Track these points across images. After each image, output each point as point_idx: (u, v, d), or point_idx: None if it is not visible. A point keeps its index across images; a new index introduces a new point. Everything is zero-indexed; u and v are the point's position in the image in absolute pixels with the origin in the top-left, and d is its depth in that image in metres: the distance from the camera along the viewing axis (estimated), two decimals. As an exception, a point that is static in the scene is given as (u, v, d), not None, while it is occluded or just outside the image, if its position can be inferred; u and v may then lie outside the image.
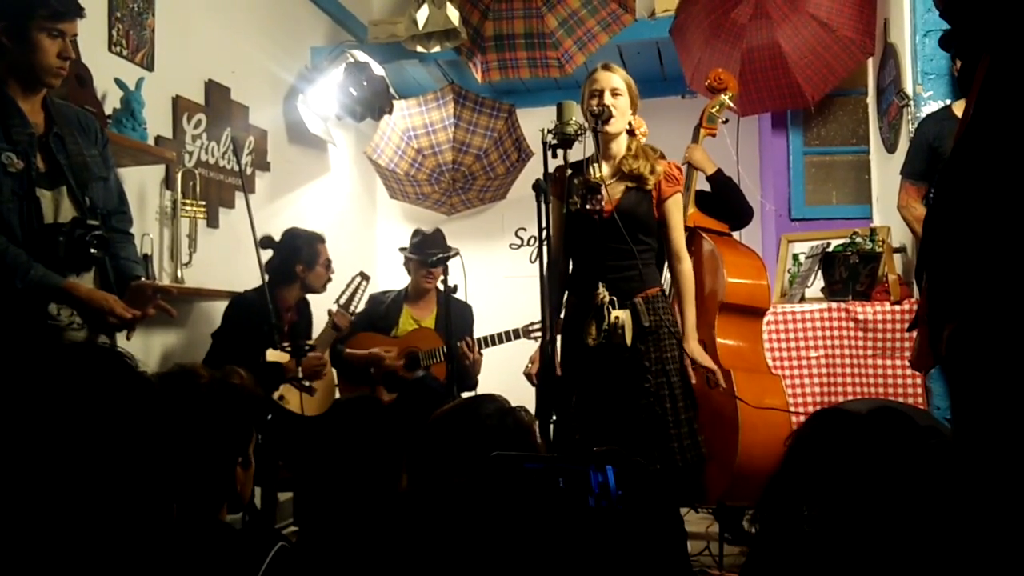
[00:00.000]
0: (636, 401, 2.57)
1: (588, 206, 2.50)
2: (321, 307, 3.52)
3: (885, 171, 3.74)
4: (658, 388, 2.58)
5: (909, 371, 3.14)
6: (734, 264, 2.97)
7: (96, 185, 2.31)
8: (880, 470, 1.06)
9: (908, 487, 1.04)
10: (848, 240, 3.46)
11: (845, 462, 1.09)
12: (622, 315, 2.53)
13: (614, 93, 2.64)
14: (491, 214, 5.32)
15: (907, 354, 3.11)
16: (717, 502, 3.01)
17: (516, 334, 3.73)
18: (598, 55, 4.18)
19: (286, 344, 3.05)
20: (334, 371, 3.65)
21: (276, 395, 3.17)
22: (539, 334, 2.81)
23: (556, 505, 1.22)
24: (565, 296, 2.75)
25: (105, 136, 2.45)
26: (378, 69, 4.40)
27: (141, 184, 3.28)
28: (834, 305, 3.33)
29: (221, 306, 3.35)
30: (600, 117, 2.58)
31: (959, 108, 3.00)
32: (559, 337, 2.61)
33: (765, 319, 3.18)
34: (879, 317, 3.24)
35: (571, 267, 2.77)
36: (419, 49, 4.35)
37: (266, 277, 3.08)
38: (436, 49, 4.34)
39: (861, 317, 3.26)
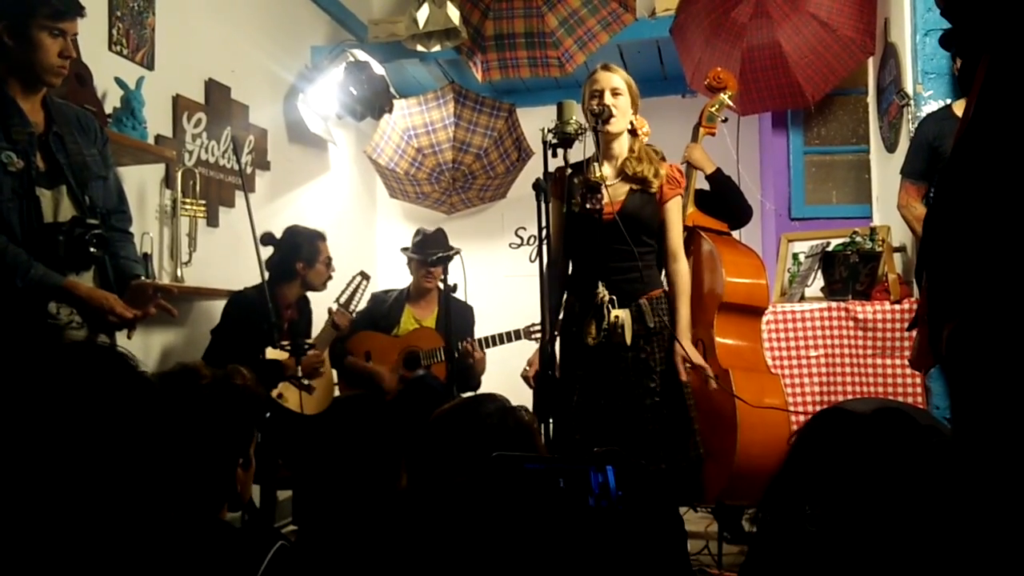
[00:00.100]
0: (642, 401, 2.57)
1: (588, 206, 2.50)
2: (322, 306, 3.52)
3: (885, 170, 3.74)
4: (663, 388, 2.58)
5: (909, 370, 3.14)
6: (733, 263, 2.97)
7: (96, 184, 2.31)
8: (884, 470, 1.06)
9: (912, 487, 1.04)
10: (848, 239, 3.46)
11: (849, 462, 1.09)
12: (622, 315, 2.54)
13: (614, 93, 2.65)
14: (491, 213, 5.32)
15: (907, 353, 3.11)
16: (716, 501, 3.01)
17: (517, 335, 3.73)
18: (598, 54, 4.18)
19: (285, 342, 3.05)
20: (333, 370, 3.65)
21: (275, 393, 3.18)
22: (539, 335, 2.81)
23: (556, 505, 1.22)
24: (564, 296, 2.75)
25: (104, 135, 2.45)
26: (378, 68, 4.40)
27: (141, 183, 3.28)
28: (834, 304, 3.32)
29: (221, 305, 3.35)
30: (601, 117, 2.58)
31: (959, 108, 3.00)
32: (558, 337, 2.61)
33: (765, 318, 3.18)
34: (879, 316, 3.24)
35: (571, 267, 2.77)
36: (419, 48, 4.35)
37: (266, 275, 3.08)
38: (436, 48, 4.34)
39: (861, 316, 3.26)
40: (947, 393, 2.67)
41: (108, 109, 3.06)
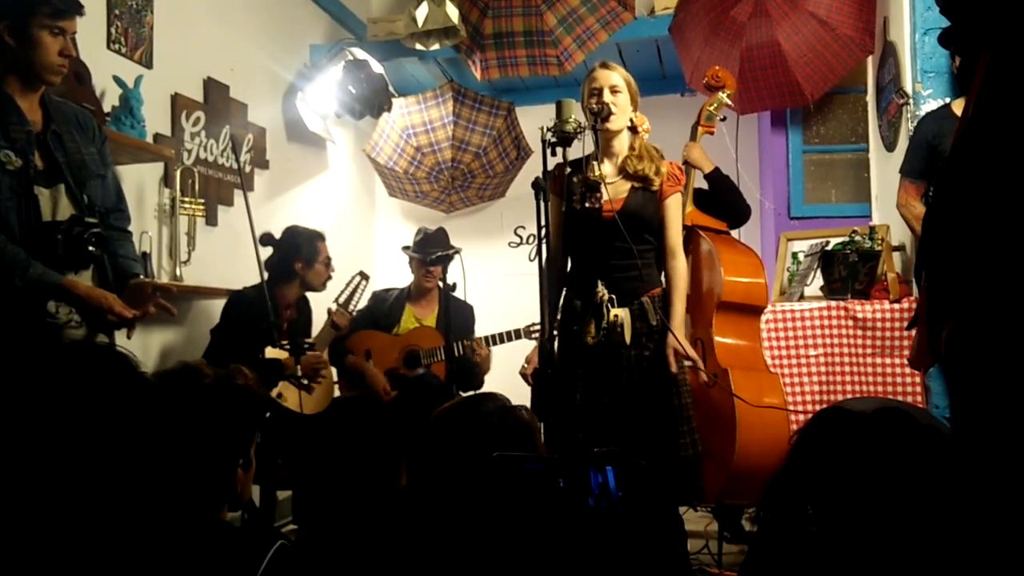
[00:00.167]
0: (648, 398, 2.57)
1: (587, 204, 2.50)
2: (322, 306, 3.52)
3: (884, 169, 3.74)
4: (668, 385, 2.58)
5: (908, 370, 3.14)
6: (732, 262, 2.97)
7: (94, 183, 2.30)
8: (886, 470, 1.06)
9: (913, 487, 1.04)
10: (847, 238, 3.46)
11: (851, 462, 1.09)
12: (621, 313, 2.54)
13: (613, 91, 2.65)
14: (490, 212, 5.32)
15: (906, 353, 3.11)
16: (716, 500, 3.01)
17: (518, 334, 3.72)
18: (597, 53, 4.18)
19: (285, 342, 3.05)
20: (333, 369, 3.65)
21: (274, 393, 3.17)
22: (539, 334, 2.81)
23: (556, 505, 1.22)
24: (563, 293, 2.75)
25: (103, 134, 2.45)
26: (377, 67, 4.39)
27: (140, 182, 3.27)
28: (833, 303, 3.32)
29: (220, 304, 3.34)
30: (600, 115, 2.58)
31: (958, 106, 3.00)
32: (556, 335, 2.61)
33: (764, 317, 3.18)
34: (878, 316, 3.24)
35: (571, 265, 2.77)
36: (418, 47, 4.35)
37: (265, 275, 3.08)
38: (435, 47, 4.34)
39: (860, 316, 3.26)
40: (946, 392, 2.67)
41: (107, 108, 3.06)
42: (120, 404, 1.21)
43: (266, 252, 3.27)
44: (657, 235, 2.71)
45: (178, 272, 3.37)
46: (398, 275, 4.48)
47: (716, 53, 3.87)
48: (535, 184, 2.38)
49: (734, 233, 3.29)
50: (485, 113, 4.91)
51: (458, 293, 3.49)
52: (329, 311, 3.43)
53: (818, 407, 3.21)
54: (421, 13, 4.17)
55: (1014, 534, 1.03)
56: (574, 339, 2.62)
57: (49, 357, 1.24)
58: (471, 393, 2.14)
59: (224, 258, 3.63)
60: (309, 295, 3.49)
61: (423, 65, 4.93)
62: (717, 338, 2.92)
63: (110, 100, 3.10)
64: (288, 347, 3.03)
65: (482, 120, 4.91)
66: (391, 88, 4.60)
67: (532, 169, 4.53)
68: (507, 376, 3.18)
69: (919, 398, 3.12)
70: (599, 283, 2.56)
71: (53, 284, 2.11)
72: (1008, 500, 1.08)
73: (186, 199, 3.42)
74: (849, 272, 3.38)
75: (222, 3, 3.83)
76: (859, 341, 3.26)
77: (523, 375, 2.79)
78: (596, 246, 2.63)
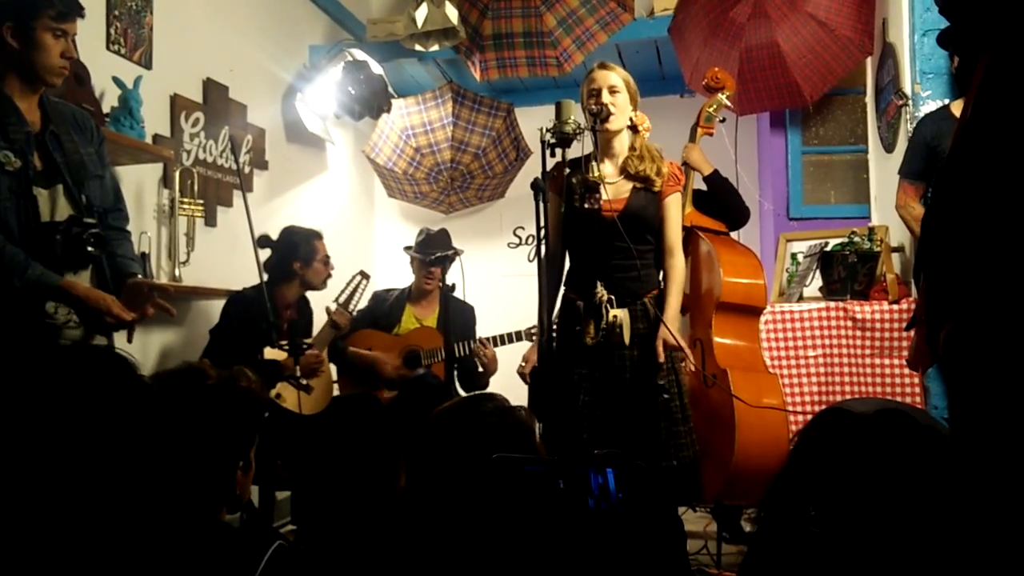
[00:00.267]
0: (653, 398, 2.57)
1: (587, 205, 2.50)
2: (323, 306, 3.51)
3: (883, 170, 3.74)
4: (670, 385, 2.59)
5: (907, 370, 3.14)
6: (731, 263, 2.97)
7: (92, 183, 2.31)
8: (888, 472, 1.06)
9: (915, 489, 1.04)
10: (846, 239, 3.47)
11: (853, 463, 1.09)
12: (620, 314, 2.54)
13: (612, 91, 2.65)
14: (489, 213, 5.32)
15: (905, 353, 3.11)
16: (715, 501, 3.01)
17: (519, 336, 3.71)
18: (597, 54, 4.18)
19: (284, 342, 3.04)
20: (332, 369, 3.64)
21: (273, 393, 3.17)
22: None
23: (556, 507, 1.22)
24: (561, 293, 2.75)
25: (101, 134, 2.45)
26: (376, 68, 4.39)
27: (139, 183, 3.27)
28: (832, 304, 3.33)
29: (219, 305, 3.34)
30: (599, 116, 2.58)
31: (957, 108, 3.00)
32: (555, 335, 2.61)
33: (763, 318, 3.18)
34: (877, 316, 3.24)
35: (570, 265, 2.77)
36: (418, 48, 4.35)
37: (264, 276, 3.08)
38: (435, 48, 4.34)
39: (859, 316, 3.26)
40: (945, 393, 2.68)
41: (106, 108, 3.06)
42: (117, 407, 1.21)
43: (265, 254, 3.27)
44: (657, 235, 2.72)
45: (177, 273, 3.37)
46: (397, 276, 4.49)
47: (715, 54, 3.87)
48: (534, 185, 2.38)
49: (733, 234, 3.29)
50: (484, 114, 4.91)
51: (457, 294, 3.49)
52: (328, 310, 3.43)
53: (817, 408, 3.21)
54: (420, 14, 4.17)
55: (1014, 534, 1.03)
56: (574, 339, 2.62)
57: (47, 360, 1.24)
58: (469, 393, 2.14)
59: (223, 259, 3.63)
60: (311, 296, 3.49)
61: (422, 66, 4.93)
62: (716, 339, 2.92)
63: (109, 101, 3.10)
64: (287, 347, 3.03)
65: (481, 121, 4.92)
66: (390, 89, 4.60)
67: (531, 170, 4.52)
68: (506, 376, 3.18)
69: (918, 399, 3.12)
70: (598, 283, 2.57)
71: (52, 285, 2.11)
72: (1007, 500, 1.08)
73: (185, 200, 3.42)
74: (848, 273, 3.38)
75: (221, 4, 3.83)
76: (858, 342, 3.26)
77: (520, 374, 2.79)
78: (596, 246, 2.63)
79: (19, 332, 2.07)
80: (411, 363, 3.75)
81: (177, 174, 3.39)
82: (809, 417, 2.84)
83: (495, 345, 3.73)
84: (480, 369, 3.77)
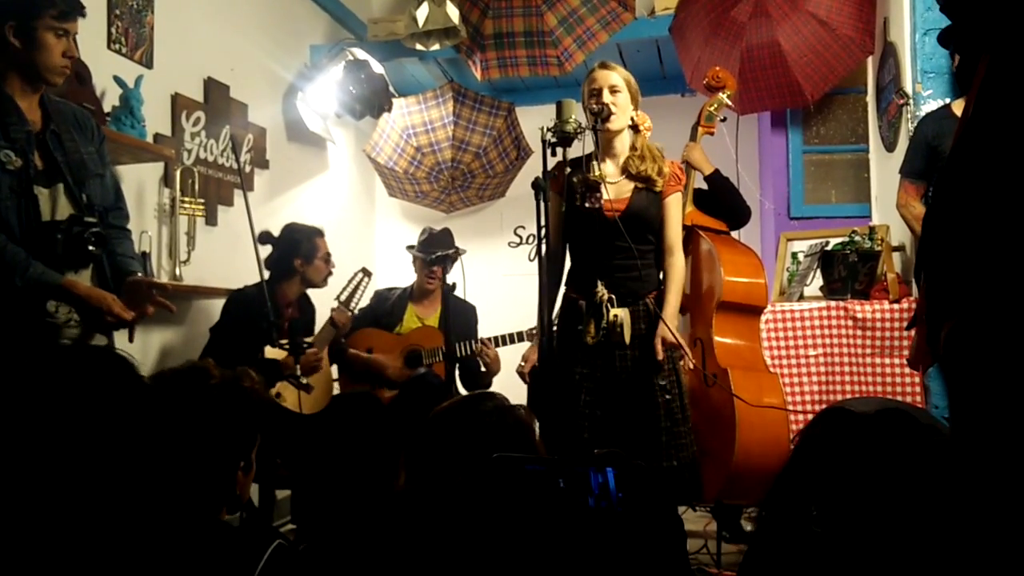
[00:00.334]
0: (656, 399, 2.57)
1: (587, 204, 2.50)
2: (327, 305, 3.51)
3: (884, 170, 3.74)
4: (670, 386, 2.59)
5: (907, 370, 3.14)
6: (731, 262, 2.97)
7: (93, 182, 2.31)
8: (890, 472, 1.06)
9: (918, 489, 1.04)
10: (847, 239, 3.46)
11: (855, 463, 1.09)
12: (621, 313, 2.54)
13: (612, 91, 2.65)
14: (490, 212, 5.32)
15: (906, 353, 3.11)
16: (715, 500, 3.01)
17: (521, 336, 3.71)
18: (598, 53, 4.18)
19: (284, 341, 3.04)
20: (333, 368, 3.64)
21: (273, 392, 3.17)
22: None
23: (556, 506, 1.22)
24: (561, 292, 2.75)
25: (101, 133, 2.45)
26: (377, 67, 4.39)
27: (140, 182, 3.27)
28: (833, 304, 3.33)
29: (220, 304, 3.34)
30: (600, 116, 2.58)
31: (958, 107, 3.00)
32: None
33: (764, 317, 3.18)
34: (878, 316, 3.24)
35: (571, 264, 2.77)
36: (418, 47, 4.35)
37: (265, 274, 3.08)
38: (436, 47, 4.34)
39: (860, 316, 3.26)
40: (945, 392, 2.67)
41: (107, 107, 3.06)
42: (116, 407, 1.21)
43: (265, 251, 3.27)
44: (658, 235, 2.72)
45: (178, 272, 3.37)
46: (398, 275, 4.48)
47: (716, 53, 3.87)
48: (535, 184, 2.38)
49: (734, 233, 3.29)
50: (485, 113, 4.91)
51: (457, 293, 3.48)
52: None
53: (818, 407, 3.21)
54: (422, 13, 4.17)
55: (1014, 534, 1.03)
56: (575, 339, 2.62)
57: (47, 360, 1.24)
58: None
59: (224, 258, 3.63)
60: (315, 294, 3.48)
61: (423, 65, 4.93)
62: (717, 338, 2.92)
63: (110, 100, 3.10)
64: (287, 346, 3.03)
65: (482, 120, 4.92)
66: (391, 88, 4.60)
67: (532, 169, 4.53)
68: (506, 375, 3.17)
69: (918, 398, 3.12)
70: (599, 283, 2.57)
71: (53, 284, 2.11)
72: (1008, 500, 1.08)
73: (186, 199, 3.42)
74: (849, 272, 3.38)
75: (222, 3, 3.83)
76: (859, 341, 3.26)
77: (520, 373, 2.79)
78: (597, 246, 2.63)
79: (20, 331, 2.07)
80: (412, 362, 3.75)
81: (178, 173, 3.39)
82: (810, 416, 2.85)
83: (497, 345, 3.73)
84: (483, 369, 3.76)
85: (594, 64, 2.75)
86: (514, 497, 1.23)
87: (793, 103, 4.10)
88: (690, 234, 3.04)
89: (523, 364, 2.78)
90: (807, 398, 3.27)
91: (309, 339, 3.23)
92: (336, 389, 3.68)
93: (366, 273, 3.49)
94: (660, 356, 2.58)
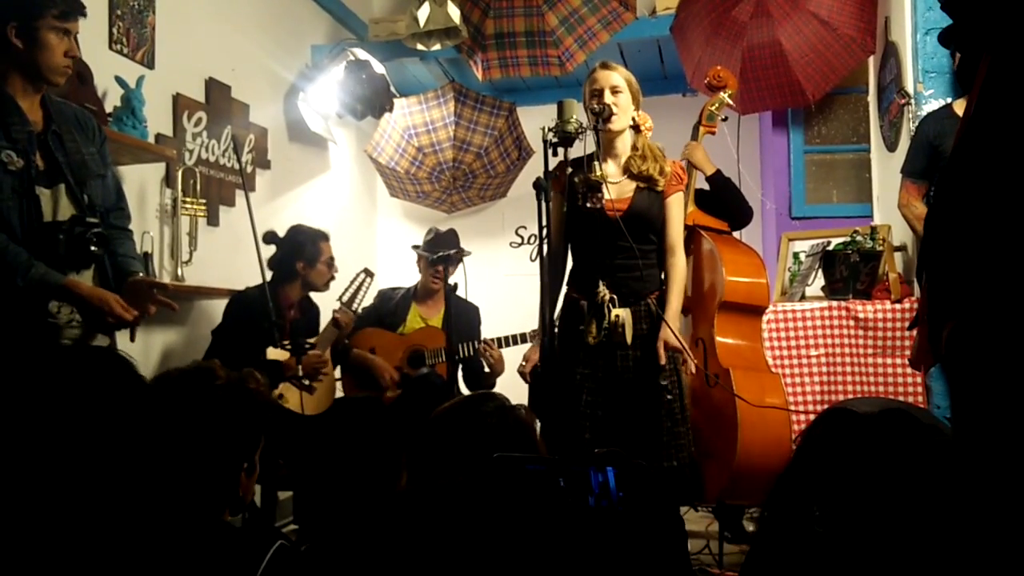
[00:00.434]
0: (658, 399, 2.57)
1: (588, 204, 2.50)
2: (329, 305, 3.50)
3: (886, 169, 3.74)
4: (672, 386, 2.59)
5: (909, 370, 3.13)
6: (733, 262, 2.97)
7: (94, 182, 2.31)
8: (892, 471, 1.06)
9: (920, 489, 1.04)
10: (849, 239, 3.46)
11: (857, 463, 1.09)
12: (622, 314, 2.54)
13: (614, 91, 2.65)
14: (491, 212, 5.32)
15: (907, 353, 3.11)
16: (717, 501, 3.01)
17: (524, 338, 3.70)
18: (599, 53, 4.18)
19: (286, 342, 3.04)
20: (337, 369, 3.64)
21: (275, 393, 3.17)
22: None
23: (556, 505, 1.22)
24: (563, 293, 2.75)
25: (103, 133, 2.45)
26: (379, 67, 4.39)
27: (141, 182, 3.28)
28: (834, 304, 3.32)
29: (222, 304, 3.34)
30: (601, 116, 2.58)
31: (960, 107, 3.00)
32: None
33: (765, 318, 3.18)
34: (879, 316, 3.24)
35: (573, 264, 2.77)
36: (420, 47, 4.35)
37: (267, 275, 3.08)
38: (437, 47, 4.34)
39: (861, 316, 3.26)
40: (947, 393, 2.67)
41: (108, 108, 3.06)
42: (115, 407, 1.21)
43: (269, 251, 3.27)
44: (660, 235, 2.72)
45: (180, 272, 3.38)
46: (400, 276, 4.48)
47: (717, 53, 3.87)
48: (536, 184, 2.38)
49: (735, 233, 3.29)
50: (486, 113, 4.91)
51: (459, 293, 3.48)
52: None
53: (819, 407, 3.21)
54: (423, 13, 4.17)
55: (1016, 534, 1.03)
56: (576, 339, 2.62)
57: (46, 360, 1.24)
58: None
59: (226, 258, 3.63)
60: (316, 295, 3.48)
61: (424, 65, 4.93)
62: (718, 338, 2.92)
63: (112, 100, 3.10)
64: (289, 347, 3.03)
65: (483, 120, 4.92)
66: (392, 88, 4.60)
67: (533, 169, 4.53)
68: (507, 375, 3.18)
69: (920, 398, 3.12)
70: (601, 283, 2.57)
71: (55, 284, 2.11)
72: (1010, 500, 1.08)
73: (188, 199, 3.42)
74: (850, 272, 3.38)
75: (224, 3, 3.83)
76: (860, 341, 3.26)
77: (521, 373, 2.79)
78: (599, 246, 2.63)
79: (22, 332, 2.07)
80: (415, 362, 3.75)
81: (179, 174, 3.40)
82: (811, 417, 2.85)
83: (500, 346, 3.73)
84: (487, 370, 3.76)
85: (595, 64, 2.75)
86: (515, 497, 1.23)
87: (794, 103, 4.10)
88: (692, 234, 3.04)
89: (524, 364, 2.78)
90: (809, 398, 3.27)
91: (312, 340, 3.23)
92: (339, 390, 3.68)
93: (368, 273, 3.49)
94: (663, 360, 2.58)
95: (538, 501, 1.23)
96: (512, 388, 2.41)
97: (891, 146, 3.64)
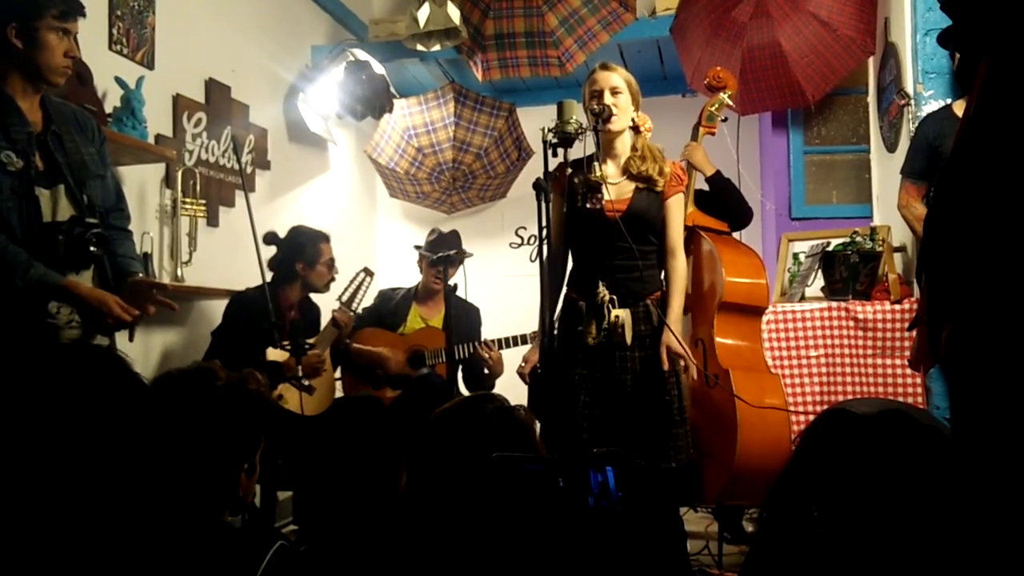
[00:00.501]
0: (658, 399, 2.57)
1: (588, 205, 2.50)
2: (329, 305, 3.50)
3: (885, 170, 3.74)
4: (671, 387, 2.59)
5: (908, 371, 3.14)
6: (733, 263, 2.97)
7: (94, 183, 2.31)
8: (891, 472, 1.06)
9: (919, 489, 1.04)
10: (848, 239, 3.46)
11: (856, 464, 1.09)
12: (622, 314, 2.54)
13: (614, 92, 2.65)
14: (491, 213, 5.32)
15: (907, 353, 3.11)
16: (716, 501, 3.01)
17: (524, 339, 3.70)
18: (599, 54, 4.18)
19: (286, 343, 3.04)
20: (337, 369, 3.64)
21: (275, 394, 3.17)
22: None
23: (556, 505, 1.22)
24: (563, 293, 2.75)
25: (102, 134, 2.45)
26: (378, 68, 4.40)
27: (141, 183, 3.28)
28: (834, 304, 3.32)
29: (221, 305, 3.34)
30: (601, 116, 2.58)
31: (959, 107, 3.00)
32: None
33: (765, 318, 3.18)
34: (879, 316, 3.24)
35: (573, 265, 2.77)
36: (419, 48, 4.35)
37: (267, 275, 3.08)
38: (437, 48, 4.34)
39: (861, 316, 3.26)
40: (947, 393, 2.67)
41: (108, 108, 3.06)
42: (113, 406, 1.21)
43: (269, 252, 3.27)
44: (660, 236, 2.72)
45: (179, 273, 3.38)
46: (399, 276, 4.48)
47: (717, 54, 3.87)
48: (536, 185, 2.38)
49: (735, 234, 3.29)
50: (486, 114, 4.92)
51: (459, 294, 3.48)
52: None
53: (819, 408, 3.21)
54: (422, 14, 4.17)
55: (1015, 534, 1.03)
56: (576, 339, 2.62)
57: (44, 360, 1.24)
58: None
59: (225, 259, 3.63)
60: (316, 295, 3.48)
61: (424, 66, 4.93)
62: (718, 339, 2.92)
63: (112, 101, 3.10)
64: (289, 348, 3.03)
65: (483, 121, 4.92)
66: (392, 89, 4.60)
67: (533, 170, 4.53)
68: (506, 376, 3.17)
69: (920, 399, 3.12)
70: (600, 284, 2.57)
71: (54, 285, 2.11)
72: (1009, 500, 1.08)
73: (187, 200, 3.42)
74: (850, 273, 3.38)
75: (223, 4, 3.83)
76: (860, 342, 3.26)
77: (520, 374, 2.79)
78: (598, 246, 2.63)
79: (21, 332, 2.07)
80: (416, 363, 3.75)
81: (179, 174, 3.40)
82: (811, 417, 2.85)
83: (500, 348, 3.73)
84: (486, 371, 3.76)
85: (595, 65, 2.75)
86: (514, 497, 1.23)
87: (794, 103, 4.10)
88: (691, 235, 3.04)
89: (523, 365, 2.78)
90: (808, 399, 3.27)
91: (311, 340, 3.23)
92: (338, 390, 3.68)
93: (368, 273, 3.49)
94: (666, 366, 2.58)
95: (537, 501, 1.23)
96: (512, 389, 2.41)
97: (891, 147, 3.64)
